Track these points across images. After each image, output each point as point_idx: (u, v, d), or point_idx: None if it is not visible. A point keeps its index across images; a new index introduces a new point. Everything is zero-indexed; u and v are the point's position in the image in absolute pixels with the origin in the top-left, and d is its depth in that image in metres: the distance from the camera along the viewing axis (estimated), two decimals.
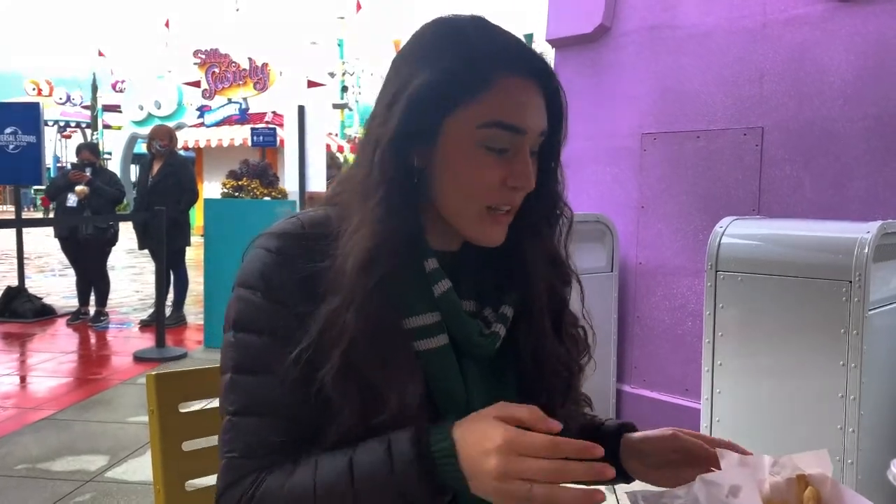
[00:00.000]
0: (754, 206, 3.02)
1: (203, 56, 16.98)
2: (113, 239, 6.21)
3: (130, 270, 10.11)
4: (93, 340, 5.78)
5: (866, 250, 2.32)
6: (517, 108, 0.79)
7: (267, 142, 7.53)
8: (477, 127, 0.79)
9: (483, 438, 0.68)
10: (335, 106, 21.01)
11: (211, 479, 1.09)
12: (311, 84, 16.58)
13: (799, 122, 2.94)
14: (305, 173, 6.41)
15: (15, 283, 6.66)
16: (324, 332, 0.76)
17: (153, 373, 1.03)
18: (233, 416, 0.79)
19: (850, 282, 2.33)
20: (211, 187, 14.20)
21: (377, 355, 0.76)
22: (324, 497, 0.73)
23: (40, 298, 6.66)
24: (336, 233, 0.80)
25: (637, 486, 0.88)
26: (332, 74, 21.63)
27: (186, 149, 15.32)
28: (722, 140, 3.14)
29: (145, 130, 6.94)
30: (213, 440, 1.10)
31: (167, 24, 21.67)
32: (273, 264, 0.80)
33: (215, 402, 1.14)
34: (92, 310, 6.29)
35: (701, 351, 2.71)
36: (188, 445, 1.04)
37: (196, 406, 1.11)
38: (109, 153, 20.26)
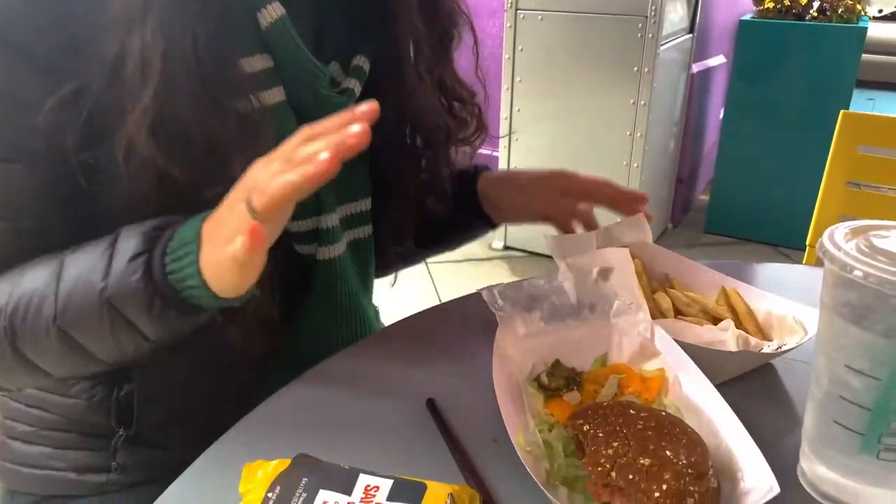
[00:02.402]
0: None
1: None
2: None
3: None
4: None
5: None
6: None
7: None
8: None
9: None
10: None
11: None
12: None
13: None
14: None
15: None
16: (116, 72, 0.51)
17: None
18: None
19: (646, 17, 2.28)
20: None
21: (210, 105, 0.53)
22: (25, 311, 0.53)
23: None
24: None
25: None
26: None
27: None
28: None
29: None
30: None
31: None
32: None
33: None
34: None
35: (496, 96, 2.62)
36: None
37: None
38: None
